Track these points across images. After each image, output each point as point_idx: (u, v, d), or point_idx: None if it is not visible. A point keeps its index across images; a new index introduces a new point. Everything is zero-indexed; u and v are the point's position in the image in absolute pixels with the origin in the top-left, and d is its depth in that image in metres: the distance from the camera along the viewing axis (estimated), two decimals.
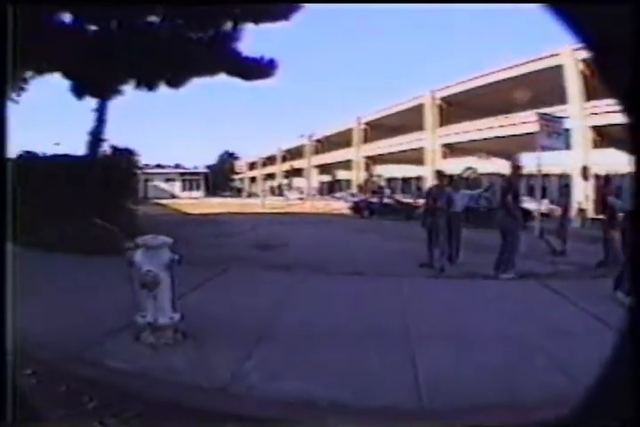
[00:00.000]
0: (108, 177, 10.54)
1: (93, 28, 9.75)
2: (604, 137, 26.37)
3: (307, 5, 10.36)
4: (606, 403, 0.76)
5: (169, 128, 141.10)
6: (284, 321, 4.47)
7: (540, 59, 28.74)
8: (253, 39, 12.18)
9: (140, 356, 3.54)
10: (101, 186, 10.20)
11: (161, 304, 3.72)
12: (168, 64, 10.07)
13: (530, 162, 12.07)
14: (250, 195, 64.75)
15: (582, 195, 23.15)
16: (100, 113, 10.78)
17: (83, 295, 5.39)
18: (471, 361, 3.38)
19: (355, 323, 4.38)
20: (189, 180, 56.24)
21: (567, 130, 14.04)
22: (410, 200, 24.27)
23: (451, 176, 10.82)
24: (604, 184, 9.22)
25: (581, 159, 24.91)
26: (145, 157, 57.95)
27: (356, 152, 49.61)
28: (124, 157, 11.79)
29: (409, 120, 40.02)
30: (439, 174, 8.96)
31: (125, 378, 3.24)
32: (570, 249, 8.79)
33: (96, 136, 10.78)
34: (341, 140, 51.94)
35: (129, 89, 10.89)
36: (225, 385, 2.98)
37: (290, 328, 4.21)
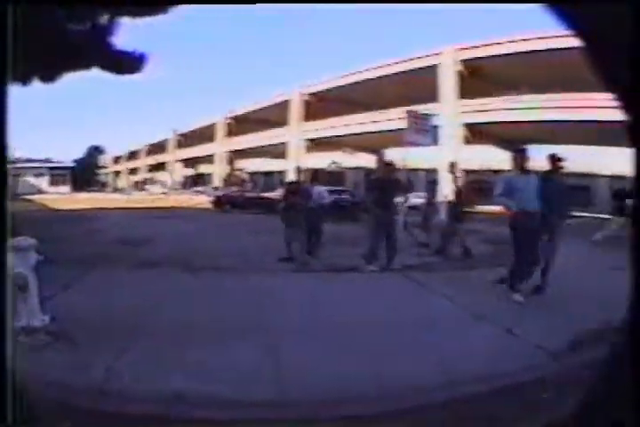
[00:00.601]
0: None
1: None
2: (475, 134, 26.87)
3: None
4: (606, 403, 0.75)
5: (40, 121, 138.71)
6: (152, 320, 4.36)
7: (418, 58, 28.57)
8: (127, 33, 11.98)
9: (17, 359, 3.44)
10: None
11: (31, 306, 3.71)
12: (45, 59, 9.71)
13: (397, 157, 11.92)
14: (115, 190, 61.86)
15: (449, 189, 21.79)
16: None
17: None
18: (334, 353, 3.26)
19: (219, 319, 4.25)
20: (57, 174, 54.63)
21: (436, 127, 13.72)
22: (271, 194, 23.70)
23: (315, 171, 10.65)
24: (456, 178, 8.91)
25: (450, 155, 22.46)
26: (16, 152, 57.50)
27: (220, 146, 48.38)
28: None
29: (276, 115, 39.43)
30: (298, 170, 9.02)
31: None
32: (434, 242, 8.59)
33: None
34: (206, 133, 50.69)
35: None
36: (99, 385, 2.93)
37: (159, 326, 4.11)
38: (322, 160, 33.81)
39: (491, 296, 4.70)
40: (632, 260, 0.76)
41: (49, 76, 10.37)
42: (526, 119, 24.71)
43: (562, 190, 4.87)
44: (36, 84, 10.52)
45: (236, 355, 3.30)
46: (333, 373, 2.86)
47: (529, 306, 4.27)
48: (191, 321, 4.11)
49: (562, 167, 4.85)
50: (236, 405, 2.62)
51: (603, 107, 21.77)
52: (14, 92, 11.51)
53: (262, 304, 4.72)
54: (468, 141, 26.92)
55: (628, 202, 28.68)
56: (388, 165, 7.39)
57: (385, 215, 6.69)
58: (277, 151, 40.22)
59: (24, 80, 10.36)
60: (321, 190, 8.42)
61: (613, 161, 29.97)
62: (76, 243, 10.00)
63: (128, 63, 10.69)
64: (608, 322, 3.35)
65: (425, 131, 10.45)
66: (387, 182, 6.95)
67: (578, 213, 27.83)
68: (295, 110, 38.63)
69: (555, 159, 4.80)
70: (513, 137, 26.98)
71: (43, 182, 53.39)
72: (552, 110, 24.16)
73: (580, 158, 30.65)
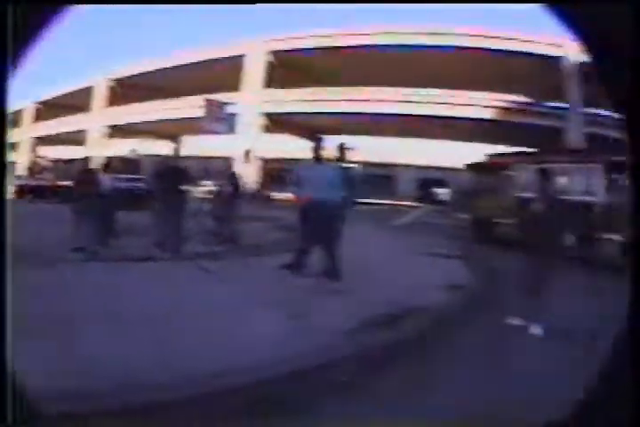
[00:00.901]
0: None
1: None
2: (278, 124, 27.10)
3: None
4: (606, 403, 0.75)
5: None
6: None
7: (225, 47, 28.54)
8: None
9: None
10: None
11: None
12: None
13: (194, 145, 11.82)
14: None
15: (247, 177, 21.72)
16: None
17: None
18: (129, 341, 3.11)
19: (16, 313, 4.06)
20: None
21: (234, 115, 13.47)
22: (68, 183, 23.05)
23: (109, 158, 10.34)
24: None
25: (248, 144, 24.22)
26: None
27: (25, 133, 46.27)
28: None
29: (82, 101, 38.23)
30: (91, 157, 8.61)
31: None
32: (226, 230, 8.27)
33: None
34: (13, 120, 50.76)
35: None
36: None
37: None
38: (123, 147, 31.74)
39: (279, 282, 4.53)
40: (632, 260, 0.76)
41: None
42: (330, 111, 25.04)
43: (350, 179, 4.84)
44: None
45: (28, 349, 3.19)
46: (125, 361, 2.70)
47: (320, 291, 4.13)
48: None
49: (346, 156, 4.76)
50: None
51: (405, 101, 24.12)
52: None
53: (52, 296, 4.34)
54: (269, 130, 26.89)
55: (434, 190, 28.63)
56: (173, 154, 7.24)
57: (170, 203, 6.54)
58: (80, 138, 38.74)
59: None
60: (114, 178, 8.19)
61: (418, 152, 32.20)
62: None
63: None
64: (399, 304, 3.48)
65: (222, 119, 10.39)
66: (171, 170, 6.82)
67: (383, 201, 27.87)
68: (99, 96, 37.41)
69: (343, 148, 4.76)
70: (319, 127, 27.14)
71: None
72: (356, 103, 24.67)
73: (386, 149, 32.39)
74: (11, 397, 1.02)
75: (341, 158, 4.80)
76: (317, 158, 4.57)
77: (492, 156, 10.46)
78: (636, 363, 0.69)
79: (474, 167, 10.45)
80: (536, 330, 3.31)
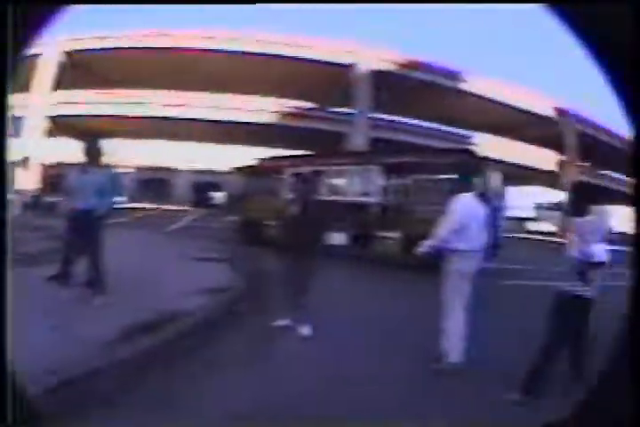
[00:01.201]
0: None
1: None
2: (60, 127, 24.94)
3: None
4: (606, 403, 0.76)
5: None
6: None
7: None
8: None
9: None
10: None
11: None
12: None
13: None
14: None
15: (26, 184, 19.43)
16: None
17: None
18: None
19: None
20: None
21: (19, 118, 12.66)
22: None
23: None
24: None
25: (28, 148, 20.86)
26: None
27: None
28: None
29: None
30: None
31: None
32: None
33: None
34: None
35: None
36: None
37: None
38: None
39: (44, 293, 4.16)
40: (632, 260, 0.76)
41: None
42: (117, 114, 24.12)
43: (118, 184, 4.62)
44: None
45: None
46: None
47: (83, 301, 3.86)
48: None
49: (113, 160, 4.51)
50: None
51: (188, 105, 23.51)
52: None
53: None
54: (53, 134, 24.91)
55: (210, 194, 25.57)
56: None
57: None
58: None
59: None
60: None
61: (194, 156, 31.32)
62: None
63: None
64: (162, 310, 3.35)
65: None
66: None
67: (159, 206, 27.50)
68: None
69: (99, 151, 4.33)
70: (97, 130, 23.31)
71: None
72: (136, 106, 23.94)
73: (161, 153, 31.27)
74: (11, 397, 1.02)
75: (107, 162, 4.53)
76: (88, 163, 4.31)
77: (264, 159, 10.49)
78: (636, 363, 0.69)
79: (245, 170, 10.42)
80: (304, 330, 3.25)
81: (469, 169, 6.18)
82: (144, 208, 21.90)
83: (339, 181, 8.47)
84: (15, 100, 13.97)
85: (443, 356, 2.66)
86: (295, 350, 3.05)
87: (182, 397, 2.28)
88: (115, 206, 4.42)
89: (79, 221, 4.10)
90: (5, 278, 1.08)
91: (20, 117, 10.24)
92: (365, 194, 7.86)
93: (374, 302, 4.56)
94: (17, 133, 9.97)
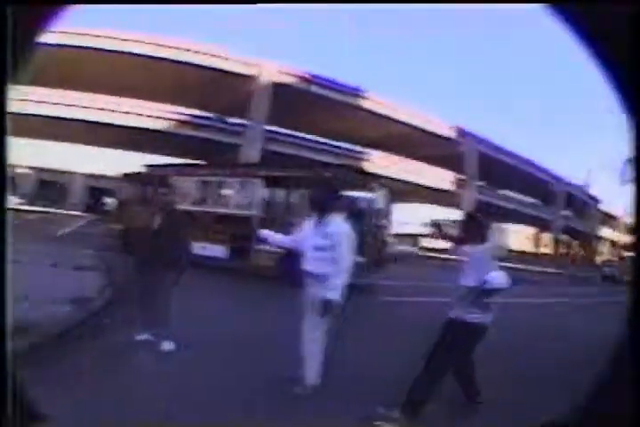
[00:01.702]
0: None
1: None
2: None
3: None
4: (606, 403, 0.75)
5: None
6: None
7: None
8: None
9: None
10: None
11: None
12: None
13: None
14: None
15: None
16: None
17: None
18: None
19: None
20: None
21: None
22: None
23: None
24: None
25: None
26: None
27: None
28: None
29: None
30: None
31: None
32: None
33: None
34: None
35: None
36: None
37: None
38: None
39: None
40: (632, 260, 0.76)
41: None
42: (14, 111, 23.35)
43: None
44: None
45: None
46: None
47: None
48: None
49: None
50: None
51: (79, 106, 22.66)
52: None
53: None
54: None
55: (103, 200, 23.99)
56: None
57: None
58: None
59: None
60: None
61: (90, 160, 30.48)
62: None
63: None
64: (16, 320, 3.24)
65: None
66: None
67: (51, 209, 25.37)
68: None
69: None
70: None
71: None
72: (29, 104, 22.68)
73: (57, 155, 30.38)
74: (11, 397, 1.02)
75: None
76: None
77: (152, 166, 10.46)
78: (636, 363, 0.69)
79: (132, 177, 10.31)
80: (164, 345, 3.12)
81: (344, 184, 6.34)
82: (35, 211, 21.75)
83: (223, 192, 8.54)
84: None
85: (301, 377, 2.58)
86: (150, 365, 2.93)
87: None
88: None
89: None
90: (5, 278, 1.09)
91: None
92: (247, 206, 7.87)
93: (243, 317, 4.48)
94: None
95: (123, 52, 22.21)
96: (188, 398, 2.39)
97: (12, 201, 16.80)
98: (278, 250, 6.27)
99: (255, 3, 2.24)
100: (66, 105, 23.19)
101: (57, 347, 3.02)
